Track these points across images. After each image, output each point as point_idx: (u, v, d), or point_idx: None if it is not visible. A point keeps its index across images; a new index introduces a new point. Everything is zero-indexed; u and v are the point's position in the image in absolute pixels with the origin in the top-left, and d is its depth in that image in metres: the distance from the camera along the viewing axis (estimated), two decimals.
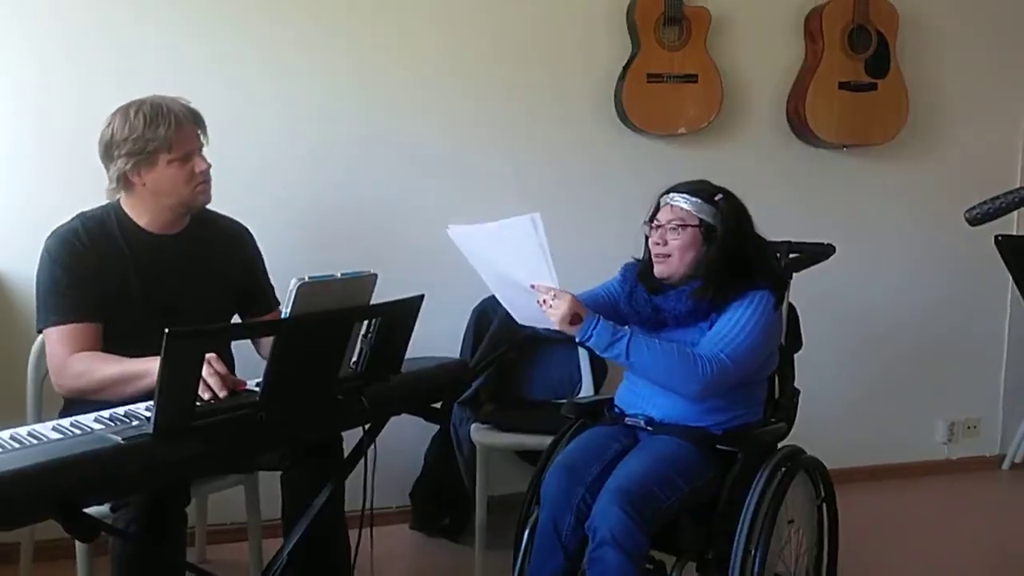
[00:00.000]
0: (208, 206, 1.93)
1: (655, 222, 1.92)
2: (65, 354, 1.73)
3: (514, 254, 1.75)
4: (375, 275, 1.56)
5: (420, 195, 2.72)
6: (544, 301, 1.74)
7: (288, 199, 2.58)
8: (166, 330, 1.20)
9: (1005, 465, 3.41)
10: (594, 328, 1.75)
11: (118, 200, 1.86)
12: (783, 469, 1.84)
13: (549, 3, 2.77)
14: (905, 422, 3.30)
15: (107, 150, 1.80)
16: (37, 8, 2.36)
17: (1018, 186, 1.24)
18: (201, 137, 1.85)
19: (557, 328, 1.77)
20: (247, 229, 2.04)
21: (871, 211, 3.15)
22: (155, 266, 1.84)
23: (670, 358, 1.77)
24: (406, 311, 1.58)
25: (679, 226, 1.87)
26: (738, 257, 1.86)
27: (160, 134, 1.76)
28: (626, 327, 1.80)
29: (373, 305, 1.54)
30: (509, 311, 1.94)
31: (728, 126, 2.94)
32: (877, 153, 3.09)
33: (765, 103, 3.00)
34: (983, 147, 3.25)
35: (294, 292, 1.37)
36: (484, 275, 1.89)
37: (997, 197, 1.21)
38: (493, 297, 2.72)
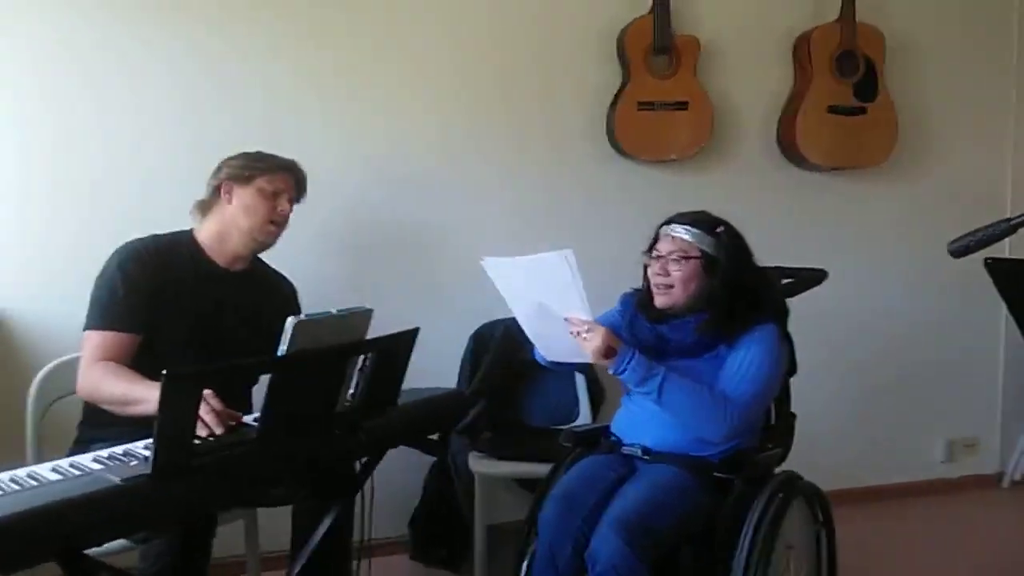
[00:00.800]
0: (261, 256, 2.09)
1: (655, 252, 1.92)
2: (92, 359, 1.83)
3: (547, 287, 1.78)
4: (370, 310, 1.58)
5: (413, 223, 2.74)
6: (578, 333, 1.76)
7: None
8: (164, 372, 1.21)
9: (1004, 483, 3.41)
10: (629, 362, 1.77)
11: (192, 230, 2.01)
12: (780, 495, 1.84)
13: (540, 33, 2.81)
14: (903, 442, 3.30)
15: (218, 168, 2.01)
16: (52, 53, 2.40)
17: (998, 219, 1.27)
18: (294, 191, 2.05)
19: (590, 361, 1.80)
20: (294, 287, 2.17)
21: (863, 233, 3.18)
22: (212, 295, 1.95)
23: (701, 401, 1.79)
24: (401, 345, 1.60)
25: (681, 258, 1.87)
26: (741, 288, 1.88)
27: (264, 165, 1.99)
28: (660, 366, 1.80)
29: (368, 340, 1.56)
30: (537, 347, 1.96)
31: (719, 152, 2.98)
32: (868, 176, 3.12)
33: (755, 128, 3.03)
34: (973, 168, 3.28)
35: (290, 330, 1.39)
36: (515, 309, 1.90)
37: (978, 230, 1.24)
38: (490, 324, 2.76)
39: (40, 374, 2.01)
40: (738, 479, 1.82)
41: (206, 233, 1.99)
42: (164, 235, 1.99)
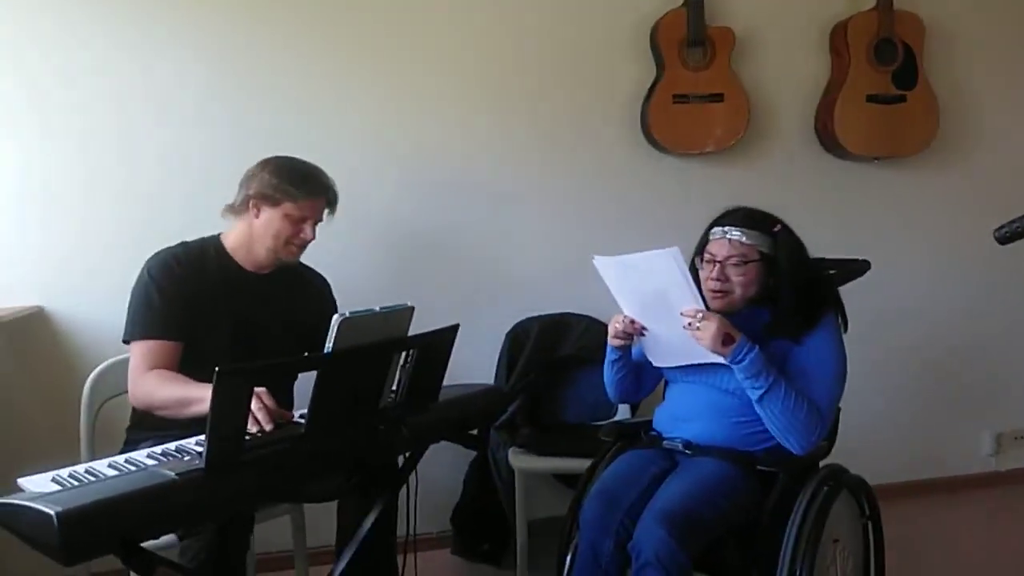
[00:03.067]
0: None
1: (707, 255, 1.88)
2: (143, 368, 1.88)
3: (657, 283, 1.79)
4: (412, 307, 1.60)
5: (450, 224, 2.77)
6: (690, 324, 1.76)
7: (320, 235, 2.63)
8: (216, 369, 1.24)
9: None
10: (748, 353, 1.75)
11: (219, 235, 2.04)
12: (825, 488, 1.82)
13: (573, 29, 2.81)
14: (950, 435, 3.24)
15: (250, 178, 2.00)
16: (76, 55, 2.46)
17: None
18: (325, 213, 2.05)
19: (698, 361, 1.79)
20: (326, 280, 2.20)
21: (905, 223, 3.12)
22: (242, 299, 1.98)
23: (798, 414, 1.76)
24: (442, 341, 1.62)
25: (741, 262, 1.83)
26: (802, 285, 1.85)
27: (297, 192, 1.96)
28: (774, 367, 1.78)
29: (411, 337, 1.58)
30: (646, 354, 1.94)
31: (756, 143, 2.95)
32: (909, 164, 3.06)
33: (793, 119, 2.99)
34: (1016, 155, 3.20)
35: (335, 327, 1.41)
36: (626, 309, 1.90)
37: None
38: (526, 321, 2.77)
39: (93, 375, 2.06)
40: (782, 472, 1.80)
41: (234, 238, 2.02)
42: (192, 242, 2.01)
